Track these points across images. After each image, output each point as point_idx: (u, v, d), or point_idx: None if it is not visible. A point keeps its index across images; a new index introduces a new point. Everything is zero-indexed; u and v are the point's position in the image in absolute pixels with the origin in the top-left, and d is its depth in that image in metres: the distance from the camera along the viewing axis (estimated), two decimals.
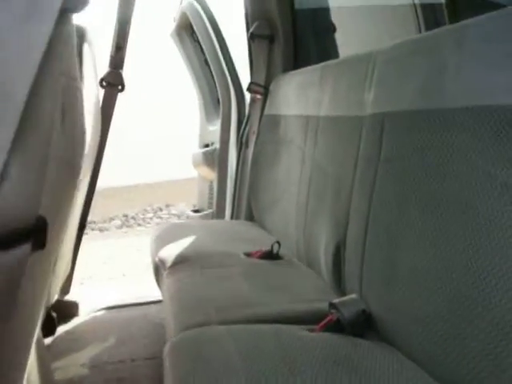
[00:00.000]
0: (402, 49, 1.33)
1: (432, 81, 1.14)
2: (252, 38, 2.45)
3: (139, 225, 7.61)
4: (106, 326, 2.47)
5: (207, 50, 2.80)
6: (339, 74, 1.69)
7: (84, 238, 6.68)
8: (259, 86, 2.46)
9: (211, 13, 2.79)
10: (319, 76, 1.86)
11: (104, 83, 2.28)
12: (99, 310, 2.62)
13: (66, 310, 2.49)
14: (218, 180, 2.82)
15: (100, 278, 4.84)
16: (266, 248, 1.93)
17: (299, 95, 2.06)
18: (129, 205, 8.42)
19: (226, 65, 2.75)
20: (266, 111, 2.40)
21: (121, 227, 7.49)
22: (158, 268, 1.94)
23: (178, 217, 7.87)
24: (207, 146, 3.15)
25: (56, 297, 2.35)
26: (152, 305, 2.62)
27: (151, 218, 7.91)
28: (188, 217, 3.26)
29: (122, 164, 9.32)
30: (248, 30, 2.48)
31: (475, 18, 1.04)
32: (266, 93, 2.43)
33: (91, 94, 1.93)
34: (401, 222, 1.21)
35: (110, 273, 5.11)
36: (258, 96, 2.46)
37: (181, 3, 2.96)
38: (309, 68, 2.08)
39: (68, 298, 2.59)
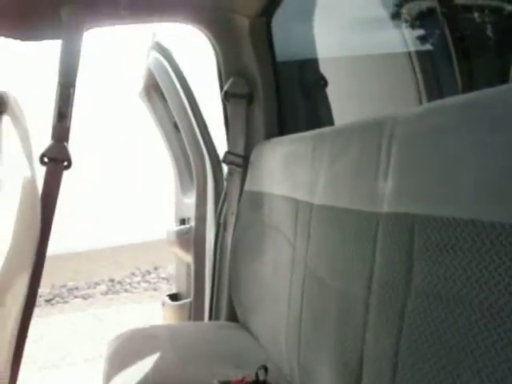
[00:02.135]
0: (439, 113, 0.88)
1: (500, 171, 0.70)
2: (226, 97, 2.01)
3: (126, 290, 7.15)
4: None
5: (176, 113, 2.38)
6: (338, 149, 1.24)
7: (65, 307, 6.19)
8: (237, 155, 2.01)
9: (179, 69, 2.37)
10: (311, 148, 1.41)
11: (45, 159, 1.82)
12: None
13: None
14: (195, 266, 2.36)
15: (73, 363, 4.32)
16: (250, 368, 1.46)
17: (286, 170, 1.61)
18: (116, 268, 7.99)
19: (199, 129, 2.32)
20: (247, 187, 1.95)
21: (106, 293, 7.02)
22: None
23: (168, 281, 7.41)
24: (183, 221, 2.69)
25: None
26: None
27: (139, 283, 7.46)
28: (164, 304, 2.77)
29: (109, 224, 8.91)
30: (222, 88, 2.06)
31: None
32: (245, 164, 1.98)
33: (15, 177, 1.49)
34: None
35: (84, 354, 4.61)
36: (237, 168, 2.02)
37: (147, 58, 2.54)
38: (297, 136, 1.64)
39: None
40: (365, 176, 1.07)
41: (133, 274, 7.80)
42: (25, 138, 1.57)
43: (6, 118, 1.38)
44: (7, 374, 1.69)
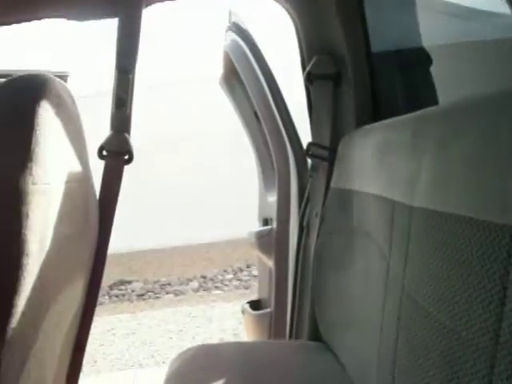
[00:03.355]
0: None
1: None
2: (309, 79, 1.72)
3: (217, 288, 7.05)
4: None
5: (256, 100, 2.11)
6: (448, 132, 0.92)
7: (156, 303, 6.23)
8: (322, 147, 1.71)
9: (259, 52, 2.11)
10: (410, 134, 1.10)
11: (105, 152, 1.62)
12: None
13: None
14: (277, 273, 2.09)
15: (159, 362, 4.21)
16: None
17: (380, 163, 1.30)
18: (208, 264, 7.95)
19: (281, 118, 2.04)
20: (333, 184, 1.65)
21: (198, 290, 6.97)
22: None
23: None
24: (266, 221, 2.44)
25: None
26: None
27: (230, 280, 7.35)
28: (244, 311, 2.54)
29: (202, 220, 8.89)
30: (304, 68, 1.77)
31: None
32: (332, 157, 1.68)
33: (60, 172, 1.28)
34: None
35: (172, 353, 4.50)
36: (322, 162, 1.72)
37: (225, 40, 2.29)
38: (394, 120, 1.33)
39: None
40: (490, 169, 0.75)
41: (225, 271, 7.71)
42: (74, 129, 1.36)
43: (46, 105, 1.17)
44: None
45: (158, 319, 5.40)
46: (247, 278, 7.44)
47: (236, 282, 7.28)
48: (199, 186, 8.99)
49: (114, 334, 4.89)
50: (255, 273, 7.50)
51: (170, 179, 8.93)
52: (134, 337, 4.85)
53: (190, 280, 7.37)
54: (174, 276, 7.52)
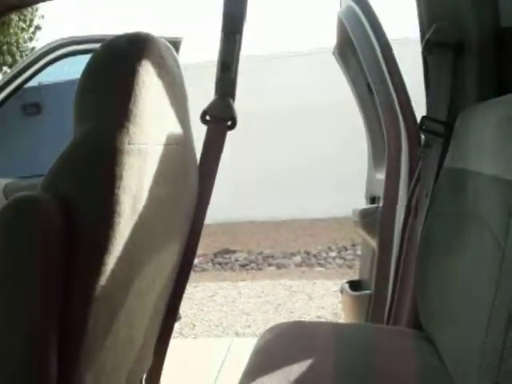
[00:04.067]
0: None
1: None
2: (427, 48, 1.58)
3: (320, 265, 6.99)
4: None
5: (370, 71, 1.99)
6: None
7: (257, 275, 6.27)
8: (437, 122, 1.58)
9: (376, 19, 1.98)
10: None
11: (208, 117, 1.59)
12: None
13: None
14: (379, 254, 1.99)
15: (256, 334, 4.24)
16: None
17: (500, 141, 1.17)
18: (312, 240, 7.89)
19: (396, 91, 1.91)
20: (447, 162, 1.52)
21: (300, 265, 6.94)
22: None
23: None
24: (374, 200, 2.33)
25: None
26: None
27: (334, 258, 7.25)
28: (343, 290, 2.46)
29: (311, 195, 8.83)
30: (423, 36, 1.63)
31: None
32: (447, 133, 1.54)
33: (159, 137, 1.26)
34: None
35: (268, 325, 4.51)
36: (436, 138, 1.59)
37: (340, 5, 2.18)
38: None
39: None
40: None
41: (329, 248, 7.61)
42: (175, 91, 1.33)
43: (147, 65, 1.14)
44: (147, 360, 1.51)
45: (257, 290, 5.45)
46: (351, 257, 7.31)
47: (339, 261, 7.16)
48: (311, 160, 8.88)
49: (214, 301, 4.99)
50: (360, 252, 7.33)
51: (284, 153, 8.90)
52: (233, 305, 4.92)
53: (294, 254, 7.35)
54: (277, 249, 7.55)
